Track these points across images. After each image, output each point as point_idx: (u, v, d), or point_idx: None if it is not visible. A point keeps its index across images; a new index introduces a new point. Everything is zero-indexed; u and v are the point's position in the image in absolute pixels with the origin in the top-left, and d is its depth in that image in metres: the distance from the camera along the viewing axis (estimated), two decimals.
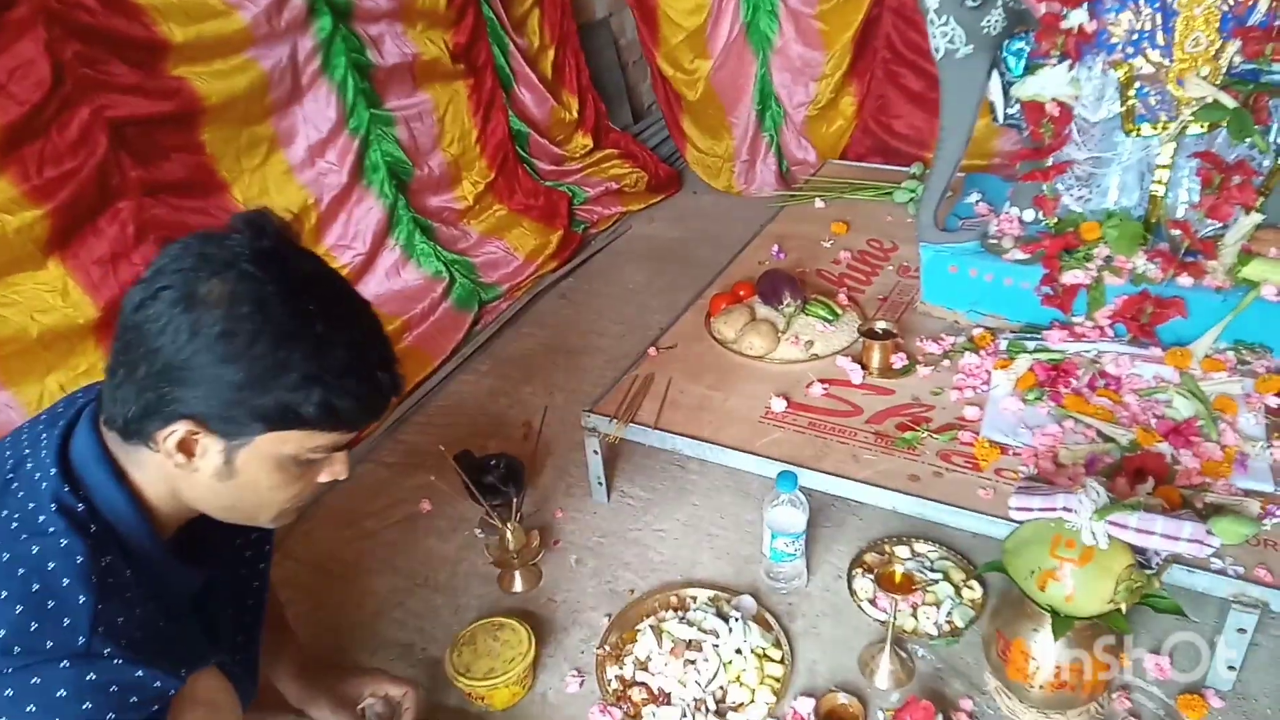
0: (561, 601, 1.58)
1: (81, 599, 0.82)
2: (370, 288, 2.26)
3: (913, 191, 2.34)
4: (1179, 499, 1.33)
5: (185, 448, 0.86)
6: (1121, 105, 1.63)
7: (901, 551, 1.58)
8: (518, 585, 1.61)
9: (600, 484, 1.76)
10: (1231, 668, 1.28)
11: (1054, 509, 1.19)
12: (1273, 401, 1.47)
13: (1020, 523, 1.28)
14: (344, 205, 2.19)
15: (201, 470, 0.88)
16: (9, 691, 0.78)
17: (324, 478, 0.97)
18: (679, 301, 2.08)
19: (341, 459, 0.96)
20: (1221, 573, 1.23)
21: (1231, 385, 1.49)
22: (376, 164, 2.24)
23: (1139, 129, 1.64)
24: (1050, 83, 1.63)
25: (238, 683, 1.02)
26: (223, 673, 0.98)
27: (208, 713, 0.93)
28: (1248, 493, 1.35)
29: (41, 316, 1.59)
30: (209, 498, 0.93)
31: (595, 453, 1.72)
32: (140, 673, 0.83)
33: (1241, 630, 1.24)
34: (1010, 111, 1.74)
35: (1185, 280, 1.60)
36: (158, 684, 0.85)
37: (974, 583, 1.51)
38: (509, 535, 1.58)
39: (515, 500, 1.63)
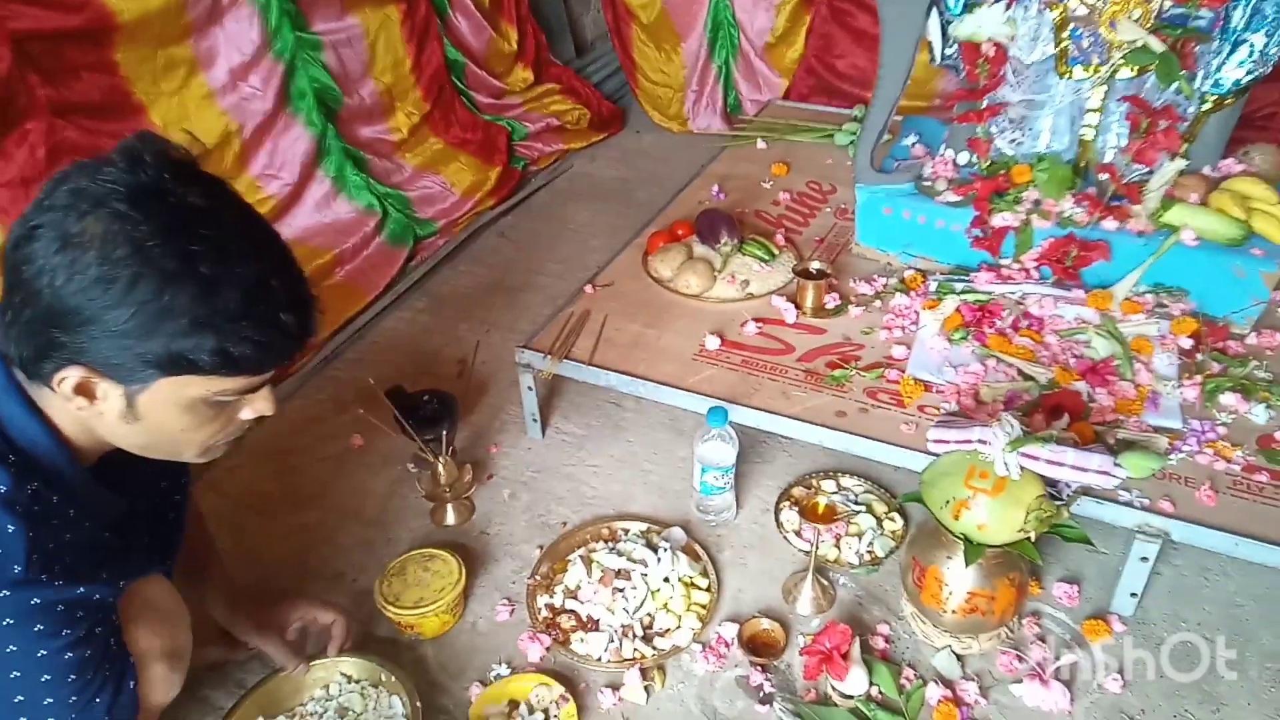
0: (494, 534, 1.58)
1: (11, 528, 0.81)
2: (299, 220, 2.19)
3: (853, 134, 2.34)
4: (1092, 434, 1.38)
5: (84, 391, 0.84)
6: (1055, 47, 1.65)
7: (828, 485, 1.62)
8: (450, 519, 1.61)
9: (535, 420, 1.76)
10: (1134, 594, 1.34)
11: (969, 441, 1.22)
12: (1186, 343, 1.52)
13: (938, 455, 1.32)
14: (269, 133, 2.11)
15: (106, 413, 0.86)
16: None
17: (247, 415, 0.94)
18: (620, 241, 2.07)
19: (264, 396, 0.93)
20: (1128, 504, 1.29)
21: (1148, 327, 1.54)
22: (304, 90, 2.15)
23: (1071, 71, 1.65)
24: (987, 22, 1.63)
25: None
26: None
27: (158, 619, 0.97)
28: (1158, 429, 1.40)
29: None
30: (122, 437, 0.90)
31: (529, 389, 1.72)
32: (80, 589, 0.86)
33: (1144, 559, 1.29)
34: (948, 52, 1.74)
35: (1110, 224, 1.64)
36: (97, 596, 0.88)
37: (895, 515, 1.55)
38: (441, 469, 1.57)
39: (447, 435, 1.62)
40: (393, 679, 1.28)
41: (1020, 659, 1.30)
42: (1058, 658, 1.30)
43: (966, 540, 1.21)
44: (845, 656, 1.25)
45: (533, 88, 2.87)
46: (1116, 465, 1.19)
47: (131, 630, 0.97)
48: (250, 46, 2.01)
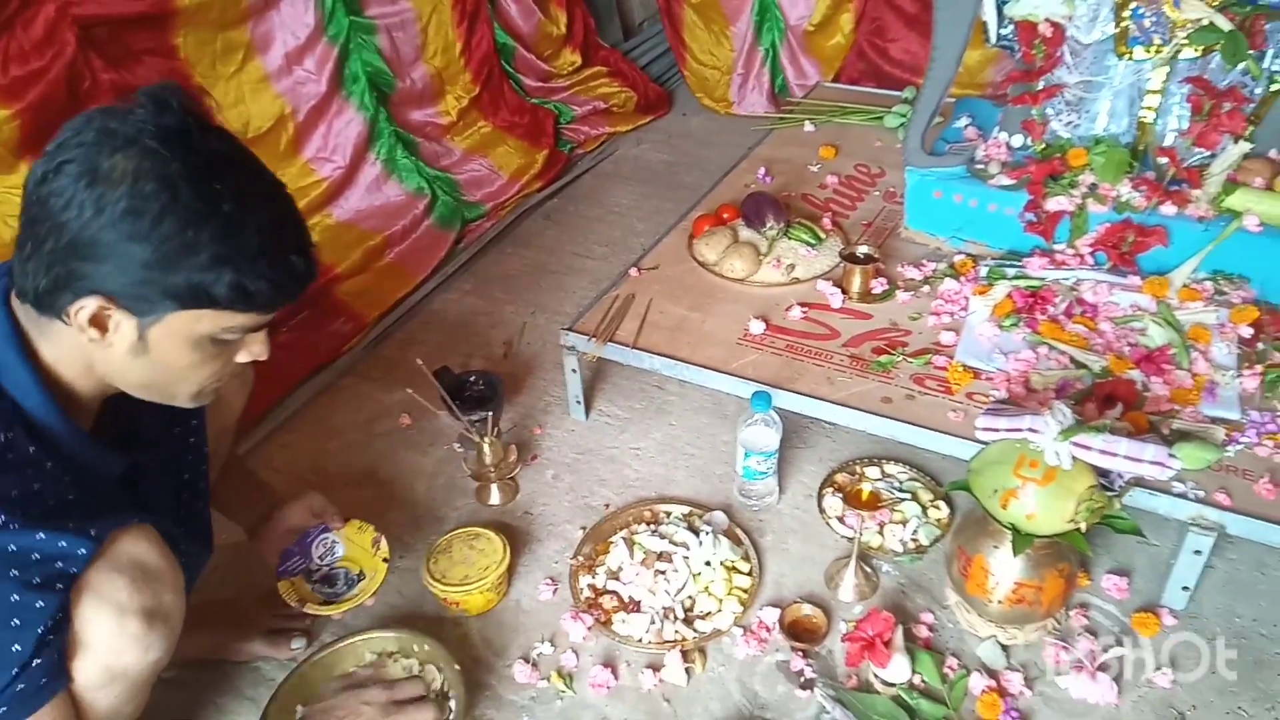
0: (538, 514, 1.60)
1: None
2: (351, 203, 2.23)
3: (903, 116, 2.30)
4: (1146, 424, 1.35)
5: (98, 323, 0.86)
6: (1116, 26, 1.60)
7: (871, 472, 1.61)
8: (494, 498, 1.63)
9: (579, 402, 1.77)
10: (1185, 588, 1.31)
11: (1019, 429, 1.20)
12: (1246, 332, 1.48)
13: (986, 443, 1.30)
14: (323, 116, 2.15)
15: (115, 346, 0.89)
16: None
17: (242, 358, 0.98)
18: (665, 224, 2.06)
19: (260, 339, 0.97)
20: (1182, 496, 1.26)
21: (1207, 315, 1.50)
22: (356, 74, 2.18)
23: (1131, 52, 1.60)
24: (1044, 1, 1.59)
25: (182, 547, 1.03)
26: (164, 538, 0.99)
27: (138, 575, 0.93)
28: (1214, 420, 1.36)
29: (14, 221, 1.56)
30: (125, 374, 0.93)
31: (574, 371, 1.73)
32: (41, 535, 0.86)
33: (1197, 552, 1.27)
34: (1003, 32, 1.70)
35: (1168, 209, 1.59)
36: (63, 544, 0.87)
37: (941, 503, 1.53)
38: (486, 449, 1.59)
39: (493, 416, 1.64)
40: (425, 647, 1.30)
41: (1067, 650, 1.29)
42: (1106, 650, 1.28)
43: (1015, 530, 1.19)
44: (888, 644, 1.25)
45: (580, 71, 2.87)
46: (1171, 456, 1.16)
47: (109, 580, 0.91)
48: (305, 30, 2.04)
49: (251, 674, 1.36)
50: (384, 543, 1.34)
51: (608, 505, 1.60)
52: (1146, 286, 1.56)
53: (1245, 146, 1.55)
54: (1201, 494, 1.26)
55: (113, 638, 0.91)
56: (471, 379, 1.77)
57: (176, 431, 1.14)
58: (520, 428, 1.79)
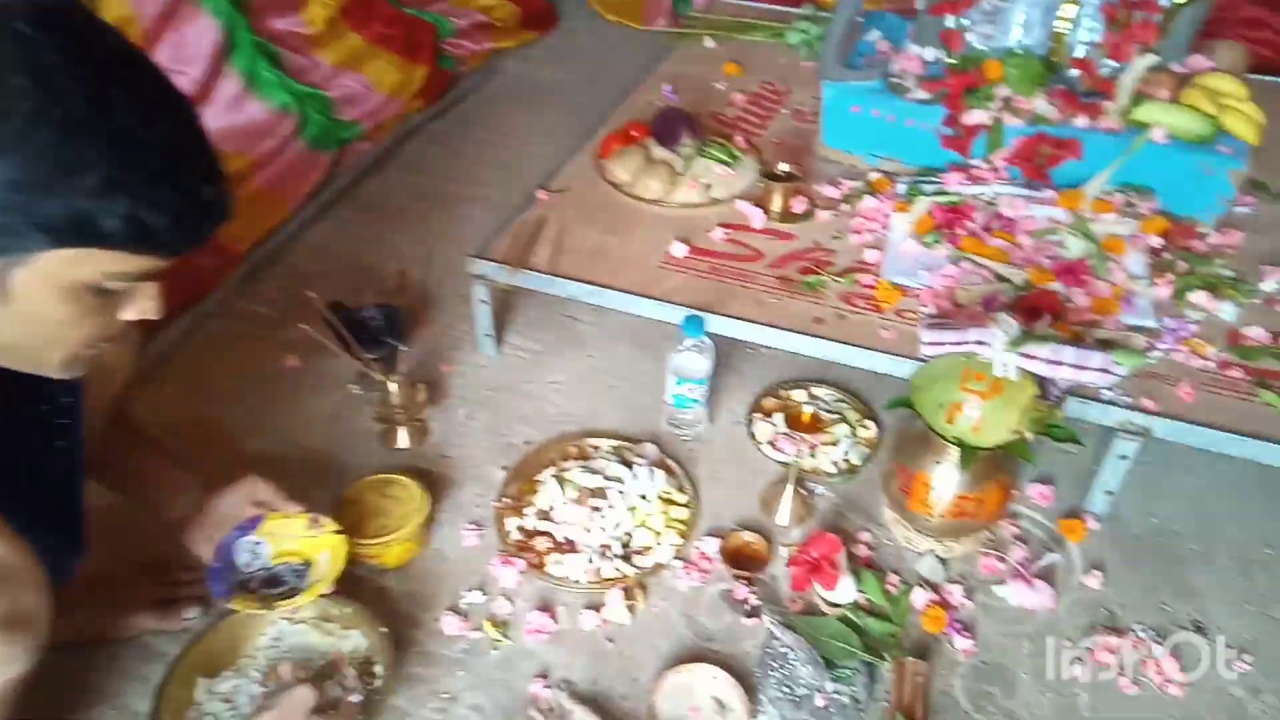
0: (454, 457, 1.49)
1: None
2: (209, 121, 1.90)
3: (804, 33, 2.24)
4: (1072, 334, 1.36)
5: None
6: None
7: (798, 395, 1.57)
8: (403, 442, 1.50)
9: (488, 336, 1.65)
10: (1109, 493, 1.35)
11: (966, 342, 1.19)
12: (1155, 242, 1.51)
13: (928, 359, 1.28)
14: (171, 22, 1.88)
15: None
16: None
17: (129, 314, 0.80)
18: (562, 147, 1.94)
19: (151, 291, 0.80)
20: (1111, 403, 1.28)
21: (1120, 226, 1.52)
22: None
23: None
24: None
25: (50, 547, 0.86)
26: (27, 540, 0.82)
27: None
28: (1133, 329, 1.39)
29: None
30: None
31: (483, 302, 1.60)
32: None
33: (1124, 457, 1.29)
34: None
35: (1081, 121, 1.60)
36: None
37: (869, 422, 1.52)
38: (392, 389, 1.46)
39: (397, 352, 1.50)
40: (346, 610, 1.18)
41: (1002, 560, 1.30)
42: (1039, 558, 1.30)
43: (961, 444, 1.18)
44: (834, 565, 1.22)
45: None
46: (1116, 363, 1.16)
47: None
48: None
49: (140, 650, 1.20)
50: (323, 518, 1.17)
51: (529, 443, 1.50)
52: (1062, 200, 1.57)
53: (1151, 59, 1.57)
54: (1128, 400, 1.28)
55: None
56: (368, 314, 1.61)
57: (43, 410, 0.93)
58: (426, 365, 1.65)
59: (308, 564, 1.14)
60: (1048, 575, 1.28)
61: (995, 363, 1.15)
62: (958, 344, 1.19)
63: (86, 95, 0.65)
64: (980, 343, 1.17)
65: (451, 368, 1.65)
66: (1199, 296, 1.44)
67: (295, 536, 1.15)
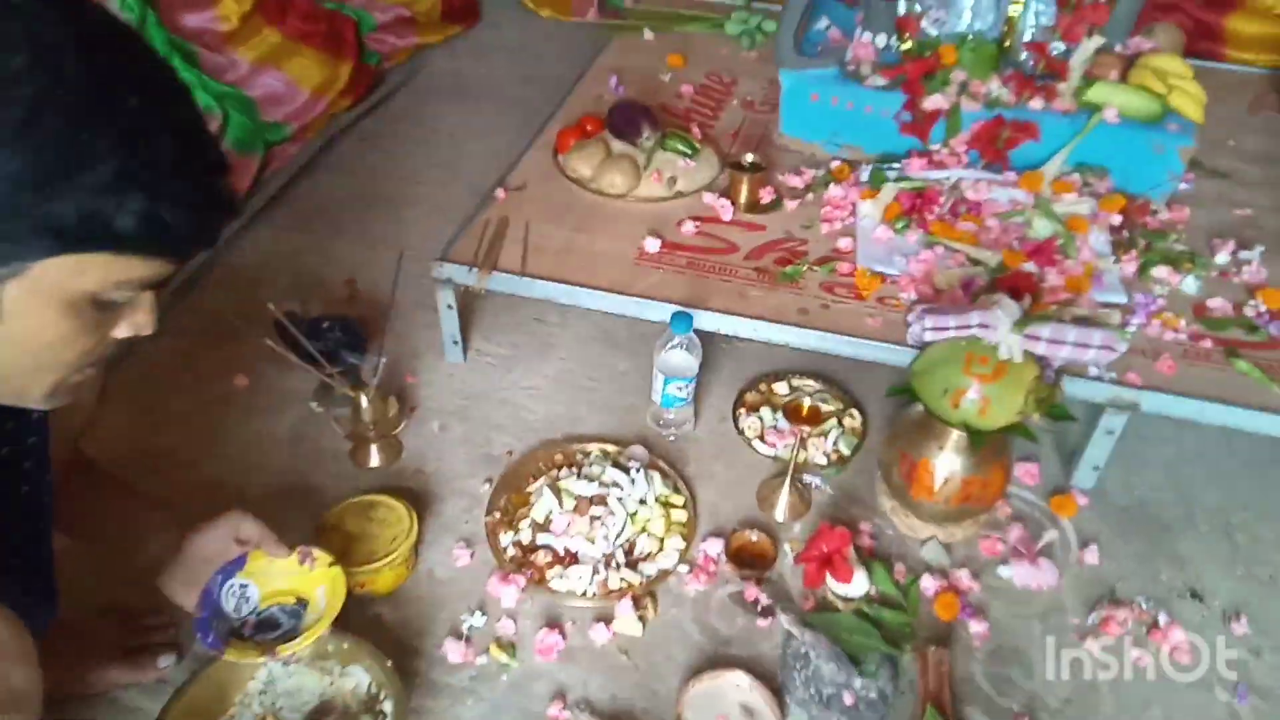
0: (432, 472, 1.41)
1: None
2: None
3: (744, 23, 2.23)
4: (1043, 312, 1.38)
5: None
6: None
7: (780, 387, 1.56)
8: (374, 460, 1.41)
9: (456, 343, 1.57)
10: (1096, 468, 1.37)
11: (969, 326, 1.18)
12: (1115, 220, 1.55)
13: (923, 344, 1.28)
14: None
15: None
16: None
17: (122, 331, 0.72)
18: (501, 145, 1.87)
19: (148, 303, 0.72)
20: (1098, 379, 1.30)
21: (1080, 206, 1.55)
22: None
23: None
24: None
25: (23, 605, 0.76)
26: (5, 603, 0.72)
27: None
28: (1105, 305, 1.42)
29: None
30: None
31: (450, 307, 1.52)
32: None
33: (1110, 432, 1.32)
34: None
35: (1036, 104, 1.63)
36: None
37: (854, 411, 1.51)
38: (365, 404, 1.36)
39: (366, 365, 1.41)
40: (344, 645, 1.10)
41: (1002, 541, 1.31)
42: (1037, 537, 1.31)
43: (968, 428, 1.18)
44: (846, 559, 1.21)
45: None
46: (1118, 339, 1.18)
47: None
48: None
49: (110, 708, 1.08)
50: (315, 551, 1.07)
51: (510, 452, 1.43)
52: (1023, 182, 1.59)
53: (1099, 40, 1.61)
54: (1114, 375, 1.30)
55: None
56: (325, 325, 1.51)
57: (4, 453, 0.81)
58: (388, 377, 1.56)
59: (302, 603, 1.05)
60: (1048, 553, 1.29)
61: (1001, 345, 1.15)
62: (961, 328, 1.18)
63: (95, 78, 0.57)
64: (984, 326, 1.16)
65: (416, 378, 1.56)
66: (1161, 271, 1.48)
67: (285, 574, 1.05)
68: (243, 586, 1.03)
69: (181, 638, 1.13)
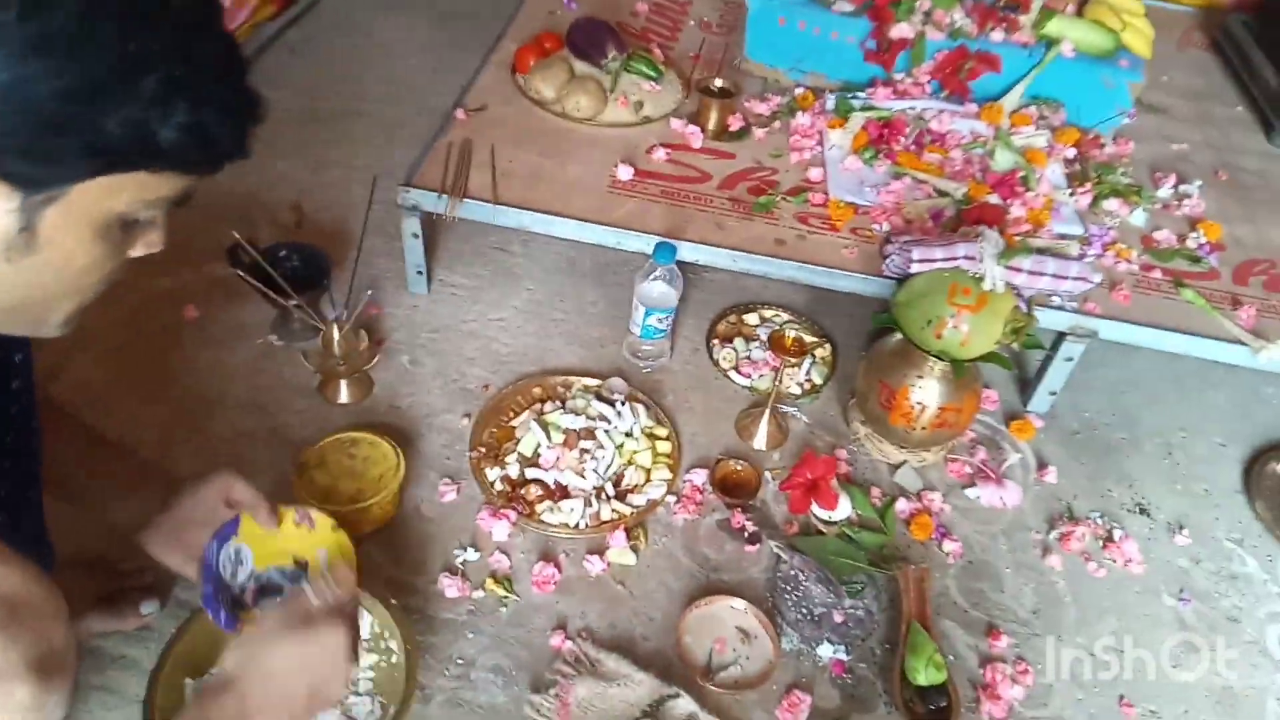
0: (406, 407, 1.37)
1: None
2: None
3: None
4: (1017, 245, 1.43)
5: None
6: None
7: (750, 319, 1.57)
8: (344, 396, 1.37)
9: (420, 274, 1.52)
10: (1053, 393, 1.45)
11: (955, 258, 1.21)
12: (1069, 153, 1.60)
13: (900, 277, 1.30)
14: None
15: None
16: None
17: (138, 251, 0.68)
18: (446, 59, 1.79)
19: (163, 221, 0.68)
20: (1060, 309, 1.35)
21: (1037, 138, 1.60)
22: None
23: None
24: None
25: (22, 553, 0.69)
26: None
27: (7, 616, 0.62)
28: (1063, 236, 1.48)
29: None
30: None
31: (415, 236, 1.46)
32: None
33: (1069, 359, 1.39)
34: None
35: (997, 35, 1.65)
36: None
37: (825, 341, 1.54)
38: (336, 338, 1.31)
39: (330, 295, 1.35)
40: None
41: (968, 465, 1.37)
42: (1000, 459, 1.38)
43: (950, 357, 1.22)
44: (830, 485, 1.25)
45: None
46: (1093, 271, 1.23)
47: None
48: None
49: (93, 659, 1.03)
50: (313, 513, 1.00)
51: (487, 386, 1.41)
52: (984, 113, 1.62)
53: None
54: (1075, 305, 1.36)
55: None
56: (281, 253, 1.43)
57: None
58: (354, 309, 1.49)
59: (301, 565, 1.01)
60: (1010, 475, 1.36)
61: (989, 276, 1.18)
62: (947, 260, 1.21)
63: None
64: (969, 258, 1.20)
65: (381, 310, 1.51)
66: (1112, 204, 1.54)
67: (282, 535, 1.00)
68: (237, 550, 0.98)
69: (160, 583, 1.09)
